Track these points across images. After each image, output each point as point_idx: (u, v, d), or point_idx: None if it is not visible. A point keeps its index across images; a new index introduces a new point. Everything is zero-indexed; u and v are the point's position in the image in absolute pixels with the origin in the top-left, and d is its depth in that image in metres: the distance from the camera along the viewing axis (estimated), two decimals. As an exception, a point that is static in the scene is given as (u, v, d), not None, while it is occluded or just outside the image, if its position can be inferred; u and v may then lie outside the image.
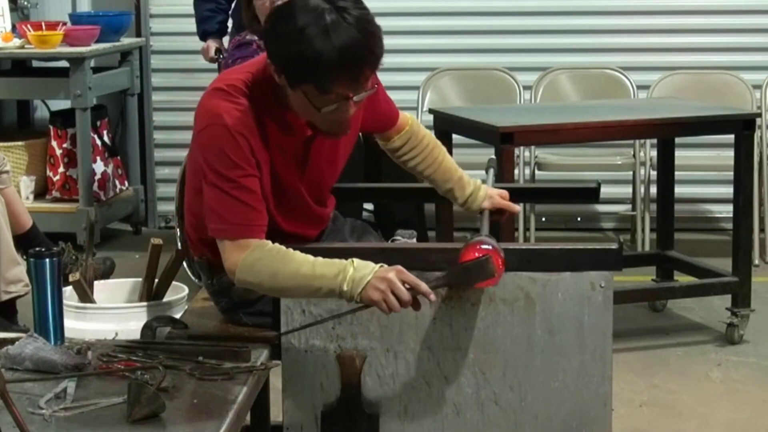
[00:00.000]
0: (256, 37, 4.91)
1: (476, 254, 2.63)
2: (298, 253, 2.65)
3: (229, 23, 5.55)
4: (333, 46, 2.54)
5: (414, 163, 3.16)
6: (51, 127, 6.21)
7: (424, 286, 2.55)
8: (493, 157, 3.49)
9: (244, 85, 2.71)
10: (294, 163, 2.80)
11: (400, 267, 2.57)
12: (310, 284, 2.60)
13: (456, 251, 2.67)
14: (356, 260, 2.60)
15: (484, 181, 3.22)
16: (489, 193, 3.15)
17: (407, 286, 2.55)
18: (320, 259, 2.62)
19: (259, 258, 2.64)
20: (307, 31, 2.54)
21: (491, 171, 3.36)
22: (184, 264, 3.62)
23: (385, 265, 2.58)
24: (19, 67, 6.58)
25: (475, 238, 2.66)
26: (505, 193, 3.19)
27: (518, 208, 3.20)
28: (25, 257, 4.22)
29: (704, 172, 6.33)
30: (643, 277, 5.23)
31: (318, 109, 2.62)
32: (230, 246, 2.67)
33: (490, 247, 2.63)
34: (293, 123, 2.75)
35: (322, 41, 2.54)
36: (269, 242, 2.67)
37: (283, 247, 2.66)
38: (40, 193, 6.25)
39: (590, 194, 3.44)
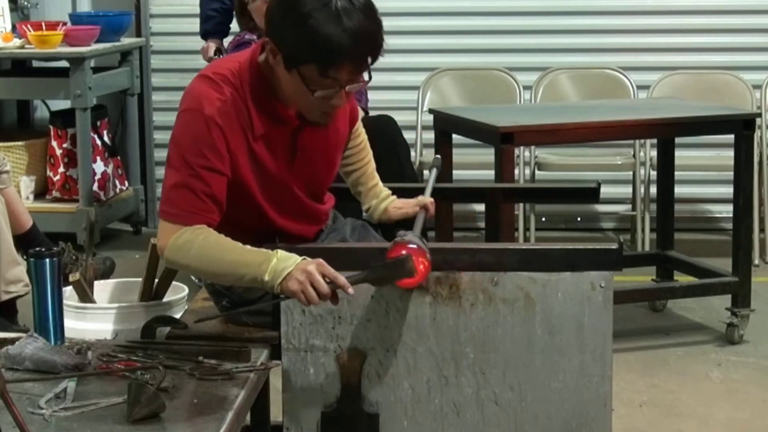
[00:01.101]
0: (255, 37, 4.92)
1: (402, 252, 2.63)
2: (228, 239, 2.67)
3: (232, 25, 5.56)
4: (344, 30, 2.57)
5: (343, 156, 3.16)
6: (51, 127, 6.21)
7: (342, 279, 2.55)
8: (438, 156, 3.46)
9: (232, 74, 2.72)
10: (282, 155, 2.80)
11: (321, 260, 2.57)
12: (236, 271, 2.62)
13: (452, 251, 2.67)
14: (281, 251, 2.61)
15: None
16: (389, 207, 3.16)
17: (327, 280, 2.55)
18: (249, 247, 2.64)
19: (189, 240, 2.66)
20: (318, 13, 2.57)
21: (434, 170, 3.36)
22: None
23: (308, 258, 2.58)
24: (19, 67, 6.57)
25: (404, 237, 2.67)
26: (429, 200, 3.16)
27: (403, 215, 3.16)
28: (25, 257, 4.22)
29: (704, 172, 6.32)
30: (643, 277, 5.23)
31: (312, 92, 2.64)
32: (168, 227, 2.70)
33: (416, 247, 2.63)
34: (281, 113, 2.76)
35: (333, 24, 2.57)
36: (204, 226, 2.68)
37: (214, 232, 2.68)
38: (40, 193, 6.25)
39: (590, 194, 3.44)
